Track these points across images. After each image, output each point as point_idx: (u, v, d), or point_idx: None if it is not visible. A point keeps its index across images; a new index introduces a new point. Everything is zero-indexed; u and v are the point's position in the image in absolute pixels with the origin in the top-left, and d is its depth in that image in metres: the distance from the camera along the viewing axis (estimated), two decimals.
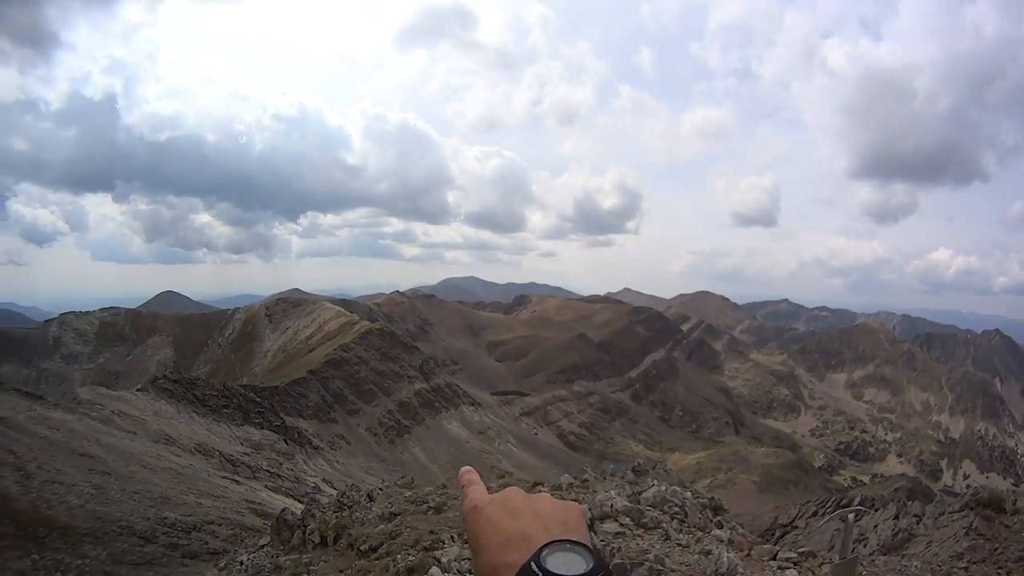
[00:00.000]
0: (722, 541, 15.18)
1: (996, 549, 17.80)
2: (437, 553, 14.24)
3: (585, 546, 1.56)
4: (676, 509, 17.63)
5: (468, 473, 1.82)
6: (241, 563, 19.45)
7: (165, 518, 28.27)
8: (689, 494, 20.03)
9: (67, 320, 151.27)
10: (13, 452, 28.83)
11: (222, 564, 21.33)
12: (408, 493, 20.60)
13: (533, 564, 1.53)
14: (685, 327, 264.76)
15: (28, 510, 24.38)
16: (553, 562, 1.53)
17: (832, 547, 29.50)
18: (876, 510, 36.41)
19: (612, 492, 18.51)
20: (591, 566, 1.52)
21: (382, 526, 17.01)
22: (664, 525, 15.73)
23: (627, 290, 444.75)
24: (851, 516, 21.91)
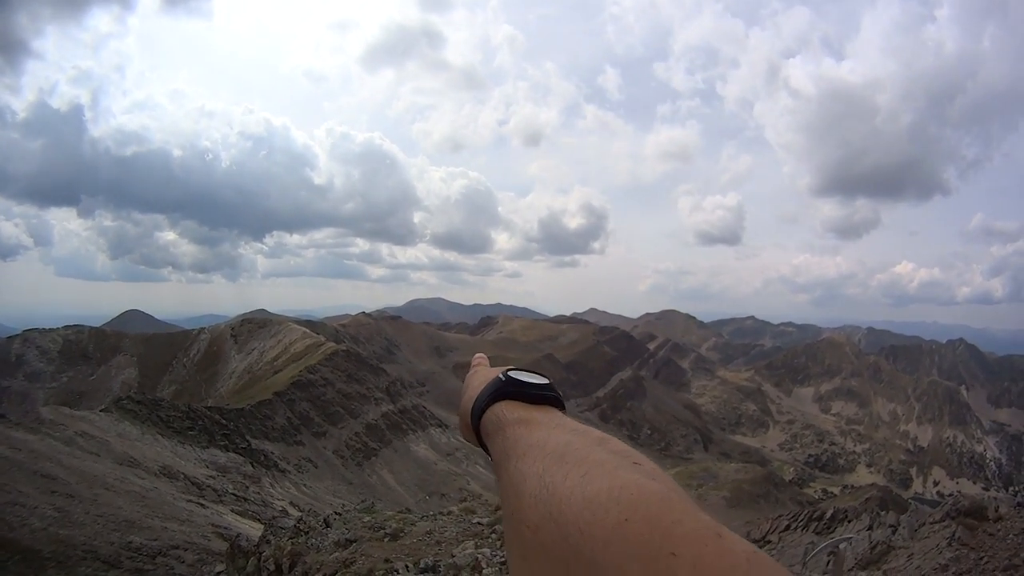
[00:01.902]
0: None
1: (982, 559, 17.52)
2: None
3: (543, 375, 1.73)
4: None
5: (479, 357, 2.23)
6: None
7: (130, 542, 27.76)
8: None
9: (30, 337, 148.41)
10: None
11: None
12: (367, 518, 20.29)
13: (500, 374, 1.70)
14: (651, 346, 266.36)
15: None
16: (514, 374, 1.71)
17: (805, 563, 29.47)
18: (850, 521, 36.47)
19: None
20: (545, 382, 1.69)
21: (337, 553, 16.69)
22: None
23: (593, 310, 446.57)
24: (843, 545, 21.86)
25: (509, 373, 1.72)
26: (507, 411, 1.69)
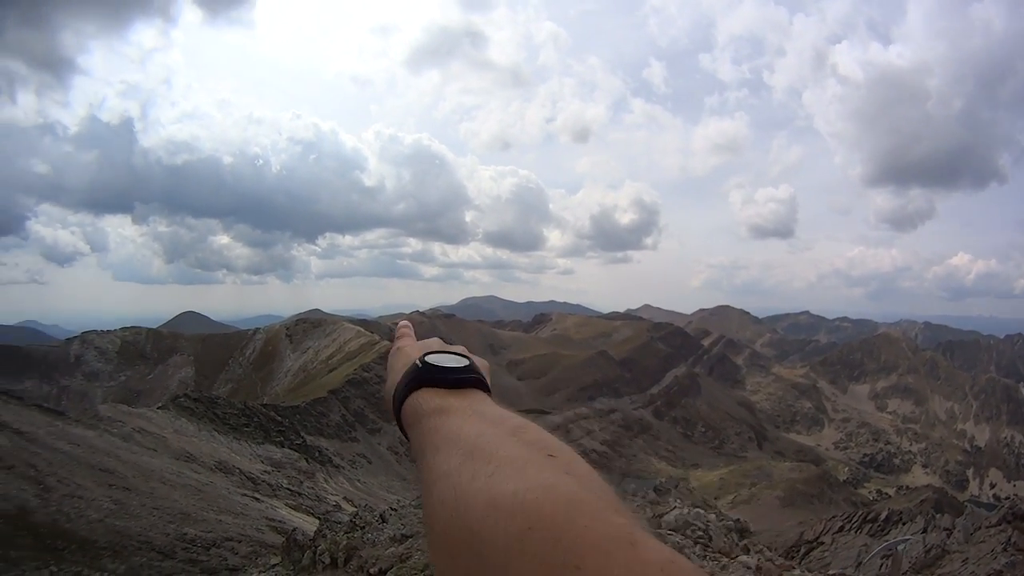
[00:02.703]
0: (749, 568, 14.31)
1: None
2: None
3: (464, 355, 1.68)
4: (699, 533, 16.56)
5: (403, 326, 2.08)
6: None
7: (185, 534, 28.09)
8: (713, 516, 19.09)
9: (88, 338, 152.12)
10: (34, 466, 28.77)
11: None
12: (422, 514, 20.22)
13: (417, 360, 1.64)
14: (706, 342, 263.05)
15: (47, 523, 24.29)
16: (432, 358, 1.64)
17: (859, 564, 28.86)
18: (904, 524, 35.74)
19: None
20: (464, 365, 1.63)
21: (393, 548, 16.58)
22: (687, 551, 14.24)
23: (647, 306, 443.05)
24: (900, 547, 21.38)
25: (426, 358, 1.64)
26: (424, 400, 1.62)
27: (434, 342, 1.88)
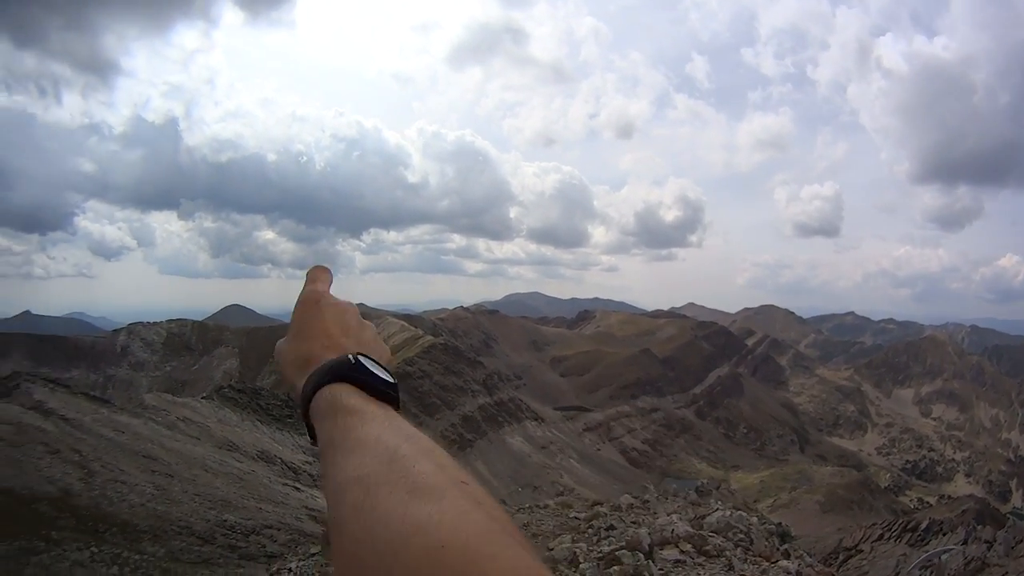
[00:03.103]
0: (789, 573, 14.04)
1: None
2: None
3: (389, 372, 1.68)
4: (741, 536, 16.29)
5: (322, 271, 2.09)
6: (290, 570, 19.31)
7: (225, 520, 28.46)
8: (755, 519, 18.81)
9: (135, 329, 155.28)
10: (78, 451, 29.34)
11: (273, 569, 21.28)
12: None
13: (350, 356, 1.64)
14: (750, 342, 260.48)
15: (89, 506, 24.77)
16: (366, 360, 1.64)
17: (897, 575, 28.42)
18: (945, 534, 35.13)
19: (674, 516, 17.47)
20: (393, 382, 1.64)
21: None
22: (728, 553, 14.44)
23: (691, 304, 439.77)
24: (944, 556, 21.03)
25: (360, 358, 1.65)
26: (345, 396, 1.57)
27: (353, 313, 1.91)
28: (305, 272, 1.91)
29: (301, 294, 1.95)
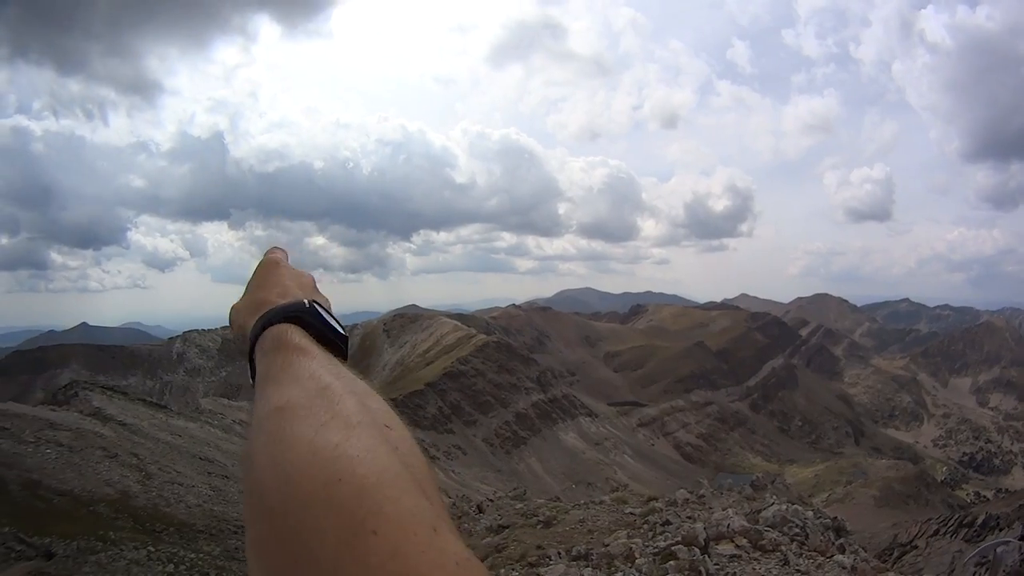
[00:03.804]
0: (844, 568, 13.92)
1: None
2: (542, 570, 13.99)
3: (343, 328, 1.68)
4: (797, 530, 16.26)
5: (279, 249, 2.12)
6: None
7: None
8: (811, 513, 18.64)
9: (190, 337, 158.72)
10: (136, 455, 30.06)
11: None
12: (519, 505, 20.37)
13: (306, 300, 1.65)
14: (804, 332, 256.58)
15: (147, 507, 25.41)
16: (320, 308, 1.65)
17: (951, 572, 28.04)
18: (1001, 529, 34.56)
19: (729, 510, 17.56)
20: (345, 334, 1.65)
21: (489, 538, 16.82)
22: (783, 548, 14.48)
23: (744, 295, 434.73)
24: (999, 549, 20.71)
25: (315, 304, 1.65)
26: (293, 335, 1.55)
27: (311, 279, 1.93)
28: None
29: (260, 262, 1.96)
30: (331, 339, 1.61)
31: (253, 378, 1.57)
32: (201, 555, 23.21)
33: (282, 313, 1.61)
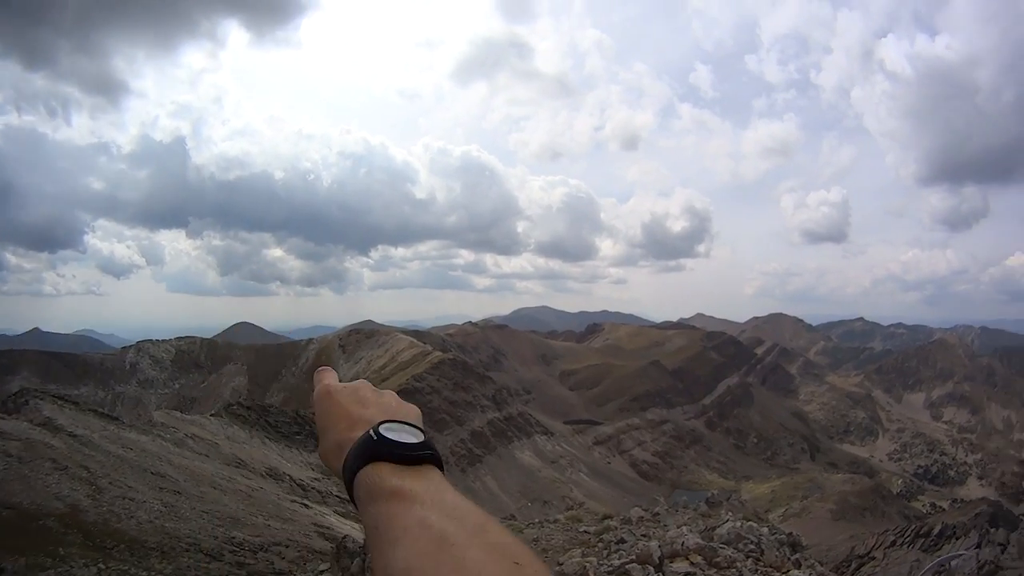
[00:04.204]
0: None
1: None
2: None
3: (418, 427, 1.66)
4: (752, 547, 16.13)
5: (324, 369, 2.02)
6: None
7: (233, 537, 28.45)
8: (766, 529, 18.59)
9: (144, 347, 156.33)
10: (87, 468, 29.40)
11: None
12: None
13: (371, 431, 1.58)
14: (759, 351, 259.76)
15: (97, 522, 24.79)
16: (387, 429, 1.60)
17: None
18: (958, 538, 35.00)
19: (684, 528, 17.26)
20: (421, 440, 1.59)
21: None
22: (738, 564, 14.33)
23: (700, 315, 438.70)
24: (955, 563, 20.90)
25: (381, 430, 1.59)
26: (380, 478, 1.54)
27: (365, 387, 1.88)
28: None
29: (314, 395, 1.90)
30: (415, 455, 1.57)
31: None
32: (152, 573, 22.64)
33: (358, 458, 1.56)
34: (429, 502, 1.47)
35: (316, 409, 1.83)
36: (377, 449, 1.56)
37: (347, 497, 1.42)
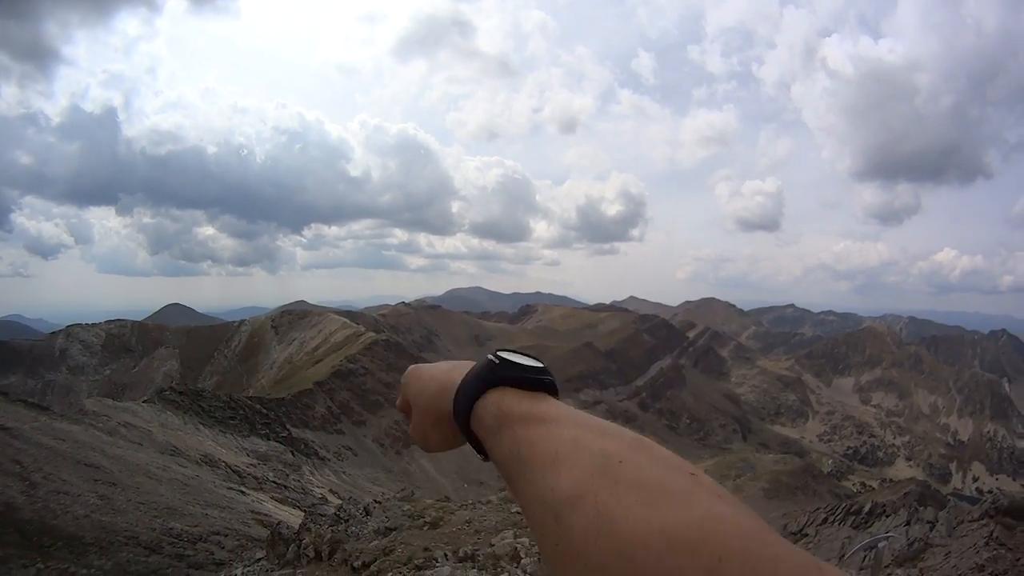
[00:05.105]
0: None
1: (1019, 559, 16.89)
2: (428, 572, 14.02)
3: (533, 357, 1.48)
4: None
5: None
6: None
7: (171, 528, 28.18)
8: None
9: (73, 332, 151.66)
10: (19, 462, 28.78)
11: None
12: (406, 507, 20.29)
13: (491, 356, 1.45)
14: (691, 334, 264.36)
15: (33, 520, 24.33)
16: (506, 354, 1.45)
17: (842, 557, 29.06)
18: (887, 516, 36.00)
19: None
20: (541, 365, 1.45)
21: (377, 541, 16.71)
22: None
23: (633, 298, 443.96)
24: (882, 544, 21.51)
25: (501, 354, 1.44)
26: (509, 402, 1.40)
27: (448, 360, 1.60)
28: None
29: (402, 382, 1.68)
30: (538, 380, 1.43)
31: (480, 453, 1.45)
32: (92, 570, 22.35)
33: (480, 382, 1.44)
34: (572, 422, 1.35)
35: (409, 390, 1.60)
36: (501, 372, 1.43)
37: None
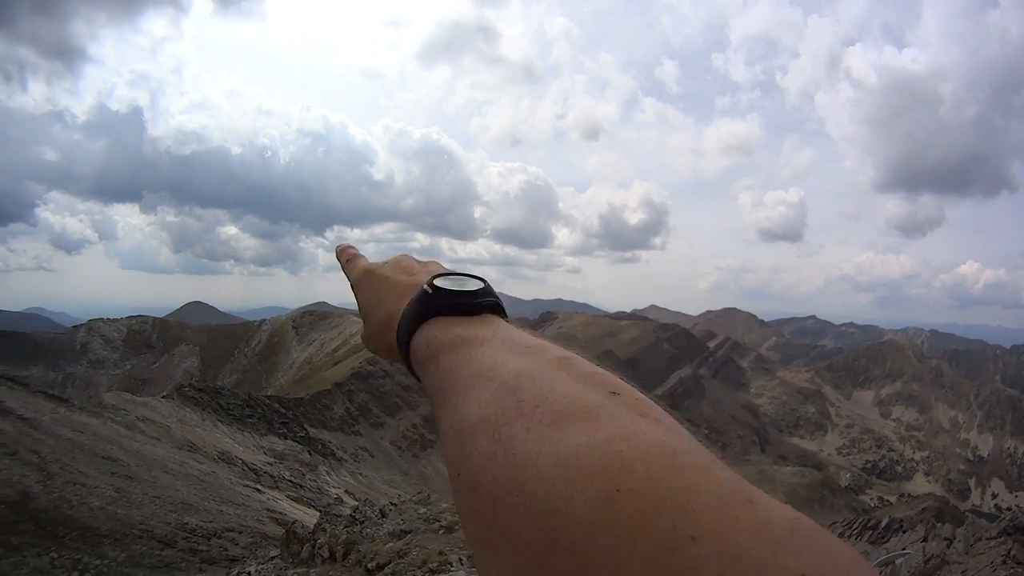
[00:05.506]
0: None
1: None
2: None
3: (475, 277, 1.37)
4: None
5: (344, 248, 1.80)
6: (249, 574, 19.19)
7: (186, 523, 28.23)
8: None
9: (95, 326, 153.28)
10: (37, 452, 28.93)
11: (232, 573, 21.15)
12: (422, 510, 20.21)
13: (425, 285, 1.32)
14: (711, 344, 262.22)
15: (49, 509, 24.44)
16: (442, 280, 1.33)
17: None
18: (904, 532, 35.55)
19: None
20: (481, 286, 1.33)
21: (392, 544, 16.63)
22: None
23: (653, 307, 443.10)
24: (899, 561, 21.15)
25: (436, 282, 1.31)
26: (439, 332, 1.25)
27: (407, 257, 1.62)
28: (335, 256, 1.59)
29: (349, 280, 1.66)
30: (486, 304, 1.30)
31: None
32: (106, 561, 22.45)
33: (413, 316, 1.31)
34: (499, 342, 1.16)
35: (358, 293, 1.57)
36: (434, 302, 1.30)
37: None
